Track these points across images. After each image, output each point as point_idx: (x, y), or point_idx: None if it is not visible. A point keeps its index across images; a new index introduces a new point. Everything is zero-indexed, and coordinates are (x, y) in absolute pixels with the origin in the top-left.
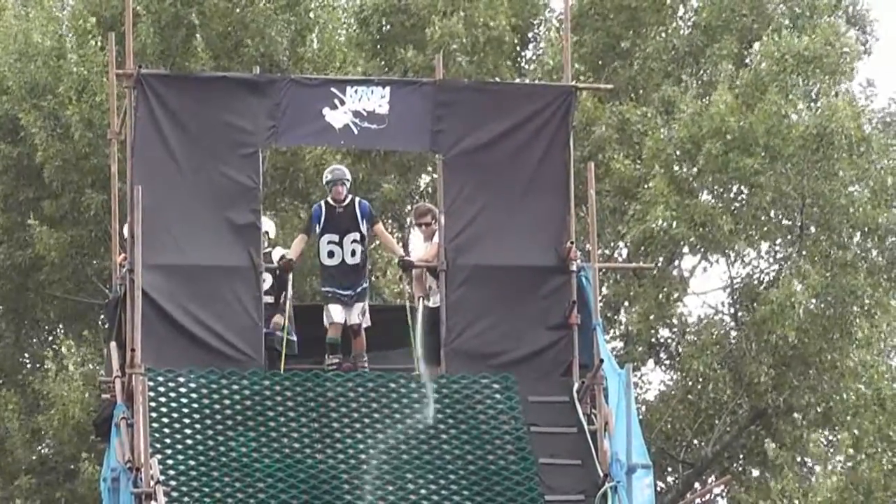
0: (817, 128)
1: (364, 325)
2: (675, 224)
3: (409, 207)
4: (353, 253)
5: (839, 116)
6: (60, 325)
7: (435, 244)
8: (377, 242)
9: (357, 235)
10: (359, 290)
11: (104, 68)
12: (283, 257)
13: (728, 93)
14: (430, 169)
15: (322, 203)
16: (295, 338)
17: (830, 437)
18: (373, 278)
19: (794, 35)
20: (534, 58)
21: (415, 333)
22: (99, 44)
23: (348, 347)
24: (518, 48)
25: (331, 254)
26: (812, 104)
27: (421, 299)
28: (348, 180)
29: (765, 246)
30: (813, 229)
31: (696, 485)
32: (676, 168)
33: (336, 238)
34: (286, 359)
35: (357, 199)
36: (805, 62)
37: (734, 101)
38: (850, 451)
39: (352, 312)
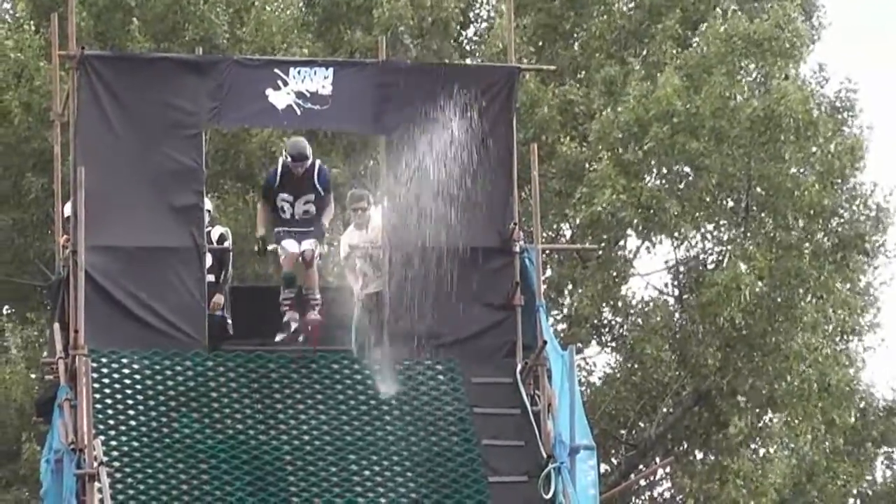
0: (765, 110)
1: (317, 257)
2: (621, 208)
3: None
4: (307, 212)
5: (788, 100)
6: (3, 308)
7: (372, 229)
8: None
9: (312, 197)
10: (311, 229)
11: (40, 52)
12: (261, 240)
13: (674, 75)
14: (372, 153)
15: (280, 164)
16: (230, 319)
17: (776, 420)
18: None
19: (743, 17)
20: (476, 38)
21: (353, 325)
22: (34, 28)
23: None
24: (460, 29)
25: (282, 209)
26: (760, 87)
27: (355, 290)
28: (307, 158)
29: (710, 227)
30: (758, 211)
31: (640, 466)
32: (622, 151)
33: (290, 198)
34: (227, 340)
35: (317, 163)
36: (754, 45)
37: (681, 84)
38: (801, 433)
39: (303, 244)
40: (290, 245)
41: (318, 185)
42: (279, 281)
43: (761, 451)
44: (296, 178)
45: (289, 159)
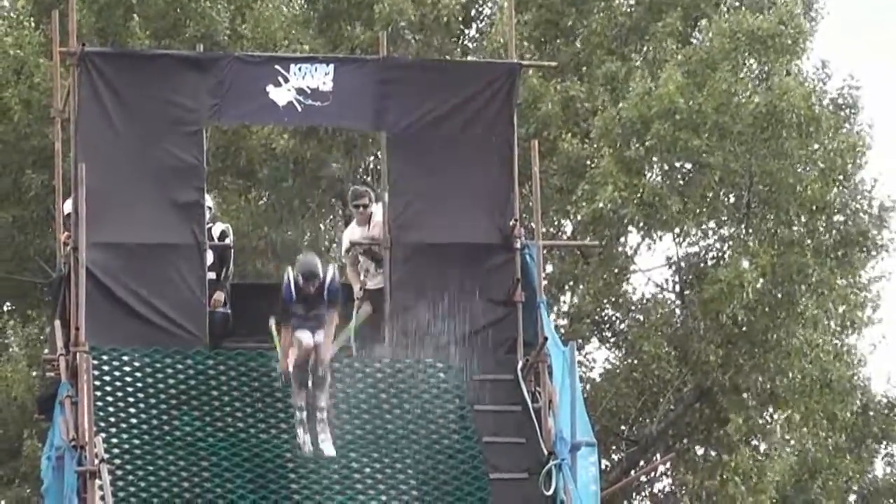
0: (767, 107)
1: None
2: (622, 205)
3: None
4: (318, 315)
5: (790, 96)
6: (4, 305)
7: (374, 225)
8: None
9: (323, 309)
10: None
11: (40, 48)
12: (283, 375)
13: (677, 71)
14: (373, 150)
15: (291, 281)
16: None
17: (777, 417)
18: None
19: (746, 13)
20: (477, 34)
21: (353, 322)
22: (33, 25)
23: None
24: (462, 26)
25: (295, 314)
26: (763, 83)
27: (356, 287)
28: (318, 277)
29: (711, 224)
30: (760, 208)
31: (641, 462)
32: (624, 148)
33: (303, 311)
34: (227, 337)
35: (328, 278)
36: (758, 41)
37: (683, 81)
38: (800, 430)
39: (317, 335)
40: (304, 336)
41: (327, 300)
42: None
43: (762, 448)
44: (307, 296)
45: (300, 279)
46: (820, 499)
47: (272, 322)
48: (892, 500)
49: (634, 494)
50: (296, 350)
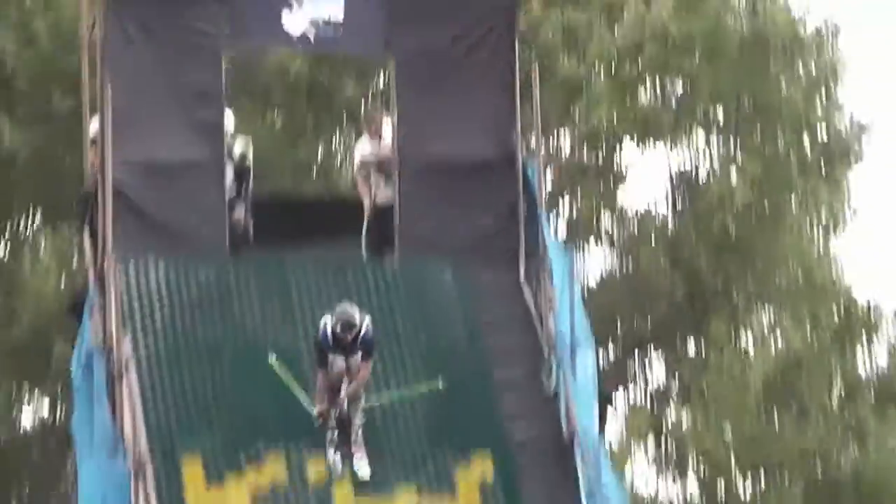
0: (754, 34)
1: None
2: (616, 122)
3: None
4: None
5: (777, 21)
6: (36, 219)
7: (384, 142)
8: None
9: (359, 356)
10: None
11: None
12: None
13: None
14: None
15: (328, 329)
16: (251, 229)
17: (764, 316)
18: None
19: None
20: None
21: (363, 233)
22: None
23: None
24: None
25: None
26: (750, 9)
27: (366, 201)
28: (356, 327)
29: (702, 136)
30: (748, 125)
31: (635, 359)
32: (619, 69)
33: (341, 358)
34: (248, 247)
35: (363, 328)
36: None
37: (676, 5)
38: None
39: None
40: (338, 361)
41: (361, 349)
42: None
43: (749, 346)
44: (344, 343)
45: (338, 327)
46: (803, 393)
47: (272, 358)
48: (872, 393)
49: (627, 390)
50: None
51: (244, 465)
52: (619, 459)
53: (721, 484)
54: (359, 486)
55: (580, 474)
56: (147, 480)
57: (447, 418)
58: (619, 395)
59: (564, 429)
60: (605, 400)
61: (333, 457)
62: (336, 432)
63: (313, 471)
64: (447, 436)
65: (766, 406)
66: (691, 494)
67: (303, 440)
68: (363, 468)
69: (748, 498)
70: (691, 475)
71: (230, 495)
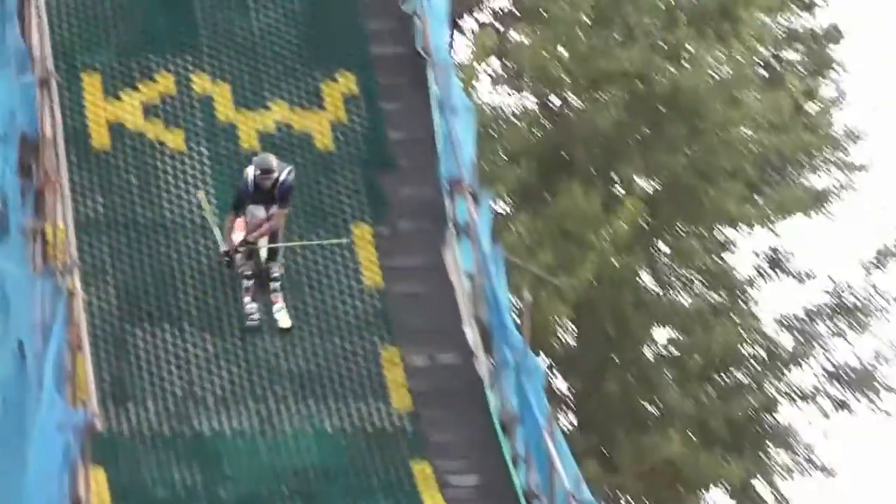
0: None
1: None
2: None
3: None
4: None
5: None
6: None
7: None
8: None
9: (275, 207)
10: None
11: None
12: (226, 254)
13: None
14: None
15: (250, 177)
16: None
17: None
18: None
19: None
20: None
21: None
22: None
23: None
24: None
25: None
26: None
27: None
28: (274, 171)
29: None
30: None
31: None
32: None
33: (262, 208)
34: None
35: (281, 177)
36: None
37: None
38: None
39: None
40: (258, 210)
41: (279, 198)
42: None
43: None
44: (263, 189)
45: (258, 172)
46: (629, 15)
47: (201, 194)
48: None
49: (475, 13)
50: (244, 224)
51: (137, 79)
52: (467, 75)
53: (555, 98)
54: (237, 100)
55: (432, 88)
56: (52, 93)
57: (315, 38)
58: (466, 18)
59: (419, 46)
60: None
61: (250, 305)
62: (252, 282)
63: (198, 84)
64: (315, 54)
65: (597, 27)
66: (528, 106)
67: (189, 56)
68: (283, 319)
69: (578, 110)
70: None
71: (125, 106)
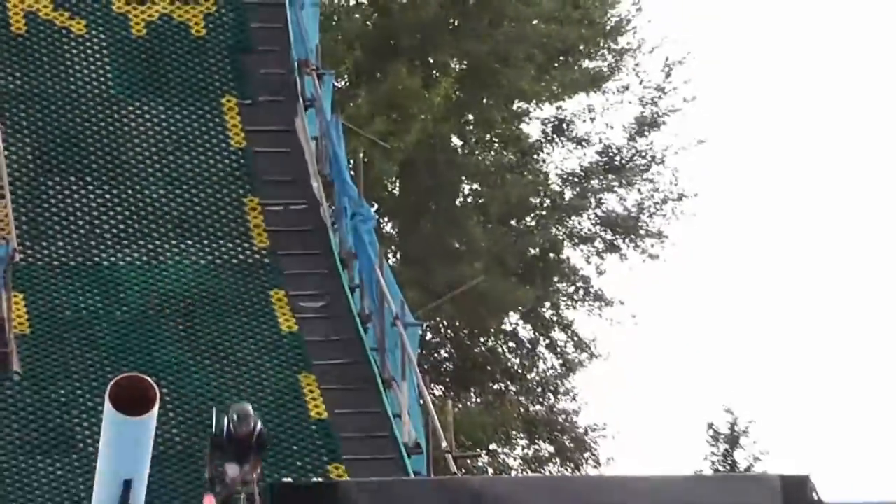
0: None
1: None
2: None
3: None
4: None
5: None
6: None
7: None
8: None
9: (250, 460)
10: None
11: None
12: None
13: None
14: None
15: (224, 425)
16: None
17: None
18: None
19: None
20: None
21: None
22: None
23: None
24: None
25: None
26: None
27: None
28: (251, 416)
29: None
30: None
31: None
32: None
33: (235, 466)
34: None
35: (258, 430)
36: None
37: None
38: None
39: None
40: (231, 469)
41: (255, 447)
42: None
43: None
44: (240, 437)
45: (235, 418)
46: None
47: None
48: None
49: None
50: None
51: None
52: None
53: None
54: None
55: None
56: None
57: None
58: None
59: None
60: None
61: None
62: None
63: None
64: None
65: None
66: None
67: None
68: None
69: (402, 4)
70: None
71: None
